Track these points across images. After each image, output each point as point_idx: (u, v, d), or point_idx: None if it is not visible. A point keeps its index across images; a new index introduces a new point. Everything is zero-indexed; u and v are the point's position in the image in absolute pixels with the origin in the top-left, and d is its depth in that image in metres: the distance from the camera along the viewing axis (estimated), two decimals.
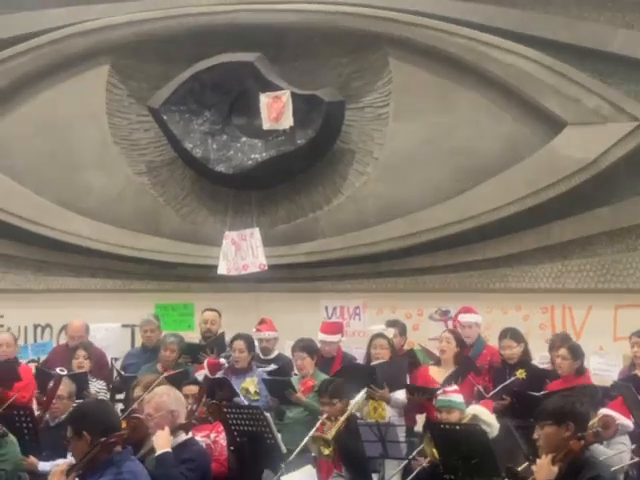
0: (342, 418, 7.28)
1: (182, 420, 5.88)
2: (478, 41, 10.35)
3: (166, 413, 5.70)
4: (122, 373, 9.25)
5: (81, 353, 9.07)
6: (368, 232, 10.86)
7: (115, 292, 11.26)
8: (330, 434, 7.13)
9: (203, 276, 11.02)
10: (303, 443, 7.10)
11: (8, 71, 11.25)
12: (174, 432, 5.77)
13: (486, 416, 7.04)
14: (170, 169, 11.36)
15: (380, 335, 8.82)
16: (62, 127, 11.22)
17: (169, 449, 5.59)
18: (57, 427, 8.01)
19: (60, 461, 7.48)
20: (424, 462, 6.93)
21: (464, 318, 9.16)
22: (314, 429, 7.27)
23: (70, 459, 6.96)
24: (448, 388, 7.27)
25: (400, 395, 8.27)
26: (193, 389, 7.70)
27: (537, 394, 7.54)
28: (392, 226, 10.78)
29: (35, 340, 11.20)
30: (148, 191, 11.29)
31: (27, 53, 11.20)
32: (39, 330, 11.34)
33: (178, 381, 8.02)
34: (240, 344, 8.86)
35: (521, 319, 10.15)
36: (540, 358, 8.97)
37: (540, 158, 10.31)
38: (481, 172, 10.47)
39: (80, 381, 8.53)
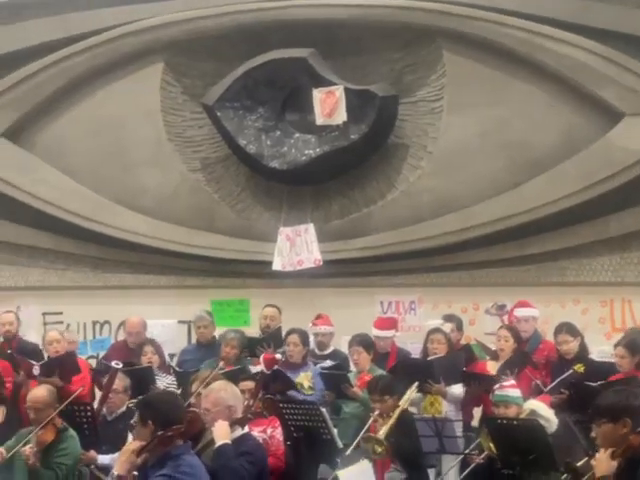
0: (394, 415, 7.25)
1: (239, 415, 5.91)
2: (532, 32, 10.23)
3: (223, 408, 5.73)
4: (177, 369, 9.30)
5: (149, 349, 9.18)
6: (422, 227, 10.78)
7: (171, 288, 11.31)
8: (382, 434, 7.09)
9: (258, 272, 11.02)
10: (355, 443, 7.07)
11: (64, 71, 11.32)
12: (231, 426, 5.79)
13: (544, 411, 6.98)
14: (224, 165, 11.38)
15: (437, 330, 8.79)
16: (118, 126, 11.29)
17: (229, 441, 5.62)
18: (114, 421, 8.12)
19: (120, 454, 7.58)
20: (481, 457, 6.89)
21: (520, 312, 9.08)
22: (366, 427, 7.25)
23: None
24: (505, 383, 7.22)
25: (457, 390, 8.23)
26: (249, 384, 7.74)
27: (595, 384, 7.43)
28: (446, 220, 10.69)
29: (94, 336, 11.30)
30: (203, 188, 11.32)
31: (83, 53, 11.26)
32: (98, 326, 11.43)
33: (235, 377, 8.06)
34: (294, 338, 8.86)
35: (579, 313, 10.02)
36: (598, 352, 8.87)
37: (596, 150, 10.17)
38: (536, 165, 10.36)
39: (145, 375, 8.60)
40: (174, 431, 4.95)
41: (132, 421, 5.41)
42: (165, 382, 8.94)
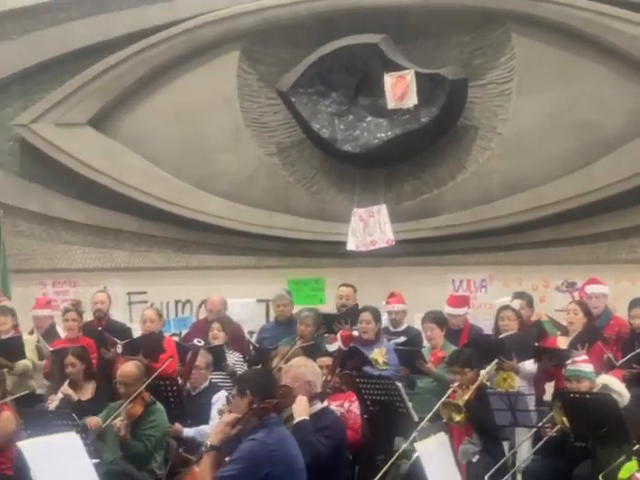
0: (473, 387, 7.25)
1: (318, 390, 5.93)
2: (601, 13, 10.07)
3: (303, 383, 5.75)
4: (256, 346, 9.36)
5: (215, 326, 9.23)
6: (492, 206, 10.71)
7: (250, 269, 11.36)
8: (462, 401, 7.10)
9: (333, 252, 11.04)
10: (435, 408, 7.10)
11: (145, 60, 11.42)
12: (310, 401, 5.82)
13: (616, 385, 6.91)
14: (299, 149, 11.39)
15: (508, 307, 8.74)
16: (196, 113, 11.35)
17: (307, 417, 5.65)
18: (198, 396, 8.22)
19: (204, 426, 7.69)
20: (554, 430, 6.85)
21: (591, 289, 8.98)
22: (446, 396, 7.26)
23: (213, 425, 7.15)
24: (578, 358, 7.16)
25: (529, 366, 8.18)
26: (327, 361, 7.79)
27: None
28: (516, 200, 10.61)
29: (176, 315, 11.41)
30: (279, 171, 11.36)
31: (162, 43, 11.35)
32: (180, 305, 11.54)
33: (312, 352, 8.11)
34: (367, 316, 8.86)
35: None
36: None
37: None
38: (605, 144, 10.21)
39: (217, 353, 8.69)
40: (268, 404, 5.02)
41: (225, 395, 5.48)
42: (233, 358, 9.03)
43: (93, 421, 7.28)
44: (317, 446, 5.60)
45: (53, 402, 7.80)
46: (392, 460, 6.34)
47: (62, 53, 11.65)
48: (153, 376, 7.57)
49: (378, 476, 5.82)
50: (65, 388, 7.94)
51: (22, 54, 11.69)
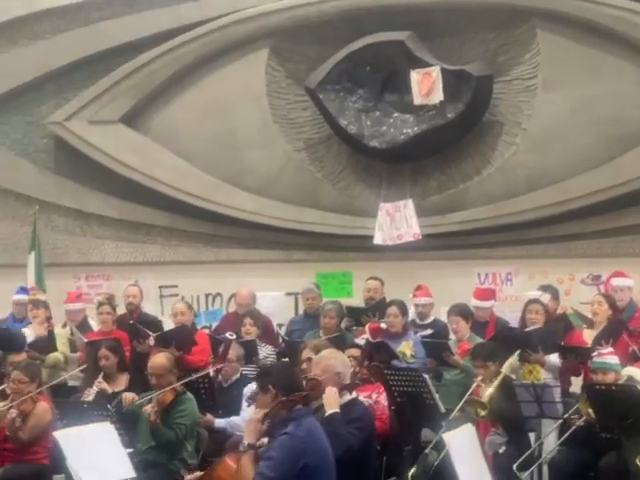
0: (496, 380, 7.22)
1: (347, 381, 5.94)
2: (627, 10, 10.04)
3: (333, 375, 5.75)
4: (286, 339, 9.39)
5: (248, 321, 9.25)
6: (518, 201, 10.71)
7: (278, 262, 11.38)
8: (485, 397, 7.08)
9: (360, 246, 11.05)
10: (459, 406, 7.07)
11: (177, 58, 11.44)
12: (339, 392, 5.82)
13: None
14: (327, 145, 11.40)
15: (535, 300, 8.71)
16: (226, 109, 11.39)
17: (338, 409, 5.65)
18: (229, 388, 8.25)
19: (235, 417, 7.72)
20: (580, 421, 6.83)
21: (616, 282, 8.94)
22: (469, 392, 7.23)
23: (244, 416, 7.19)
24: (603, 350, 7.13)
25: (555, 358, 8.15)
26: (355, 352, 7.77)
27: None
28: (541, 194, 10.60)
29: (207, 308, 11.45)
30: (307, 167, 11.37)
31: (193, 41, 11.37)
32: (210, 299, 11.58)
33: (337, 344, 8.12)
34: (394, 309, 8.85)
35: None
36: None
37: None
38: (630, 139, 10.18)
39: (249, 347, 8.71)
40: (296, 397, 5.05)
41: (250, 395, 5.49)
42: (265, 352, 9.04)
43: (129, 396, 7.34)
44: (349, 438, 5.60)
45: (89, 395, 7.85)
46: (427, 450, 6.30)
47: (95, 52, 11.69)
48: (202, 373, 7.60)
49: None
50: (100, 382, 7.99)
51: (56, 53, 11.75)
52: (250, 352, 8.63)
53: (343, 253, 11.22)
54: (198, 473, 5.69)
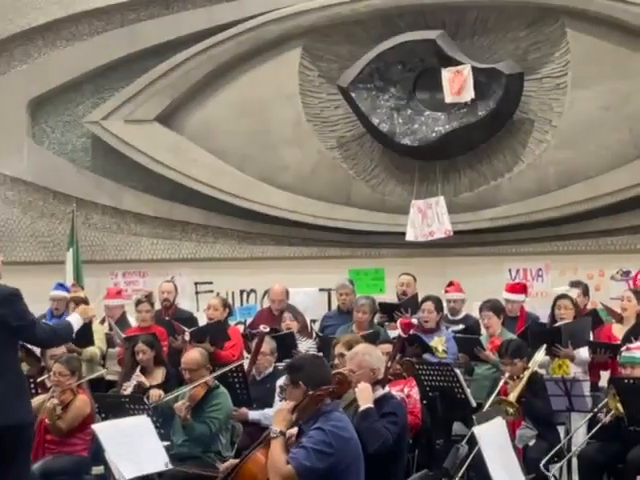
0: (524, 378, 7.23)
1: (381, 376, 5.96)
2: None
3: (367, 371, 5.77)
4: (319, 334, 9.43)
5: (287, 315, 9.32)
6: (549, 197, 10.71)
7: (312, 259, 11.43)
8: (513, 396, 7.09)
9: (392, 242, 11.08)
10: (486, 406, 7.08)
11: (212, 58, 11.50)
12: (373, 386, 5.86)
13: None
14: (359, 143, 11.43)
15: (564, 296, 8.69)
16: (260, 108, 11.45)
17: (372, 404, 5.67)
18: (263, 381, 8.29)
19: (268, 410, 7.78)
20: (609, 415, 6.83)
21: None
22: (497, 390, 7.25)
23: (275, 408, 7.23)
24: (632, 345, 7.13)
25: (584, 353, 8.14)
26: (387, 347, 7.81)
27: None
28: (572, 191, 10.60)
29: (241, 304, 11.51)
30: (340, 165, 11.41)
31: (228, 41, 11.41)
32: (244, 295, 11.65)
33: (371, 340, 8.15)
34: (429, 305, 8.89)
35: None
36: None
37: None
38: None
39: (288, 341, 8.76)
40: (324, 391, 5.06)
41: (282, 383, 5.54)
42: (305, 345, 9.09)
43: (155, 393, 7.41)
44: (384, 433, 5.60)
45: (128, 388, 7.93)
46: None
47: (131, 52, 11.78)
48: (235, 364, 7.73)
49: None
50: (138, 375, 8.08)
51: (93, 54, 11.85)
52: (288, 345, 8.66)
53: (376, 250, 11.27)
54: (233, 461, 5.70)
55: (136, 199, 11.89)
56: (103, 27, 11.91)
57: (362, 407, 5.62)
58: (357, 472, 5.08)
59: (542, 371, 8.02)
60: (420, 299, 9.19)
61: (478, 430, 5.60)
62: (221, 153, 11.60)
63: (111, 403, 7.65)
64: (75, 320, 6.21)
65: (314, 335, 9.49)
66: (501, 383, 7.34)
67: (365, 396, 5.67)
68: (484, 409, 7.08)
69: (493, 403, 7.09)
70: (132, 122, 11.76)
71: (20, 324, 5.71)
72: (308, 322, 10.04)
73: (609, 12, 10.25)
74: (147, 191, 11.87)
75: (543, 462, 6.79)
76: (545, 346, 7.77)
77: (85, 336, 8.87)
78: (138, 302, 9.66)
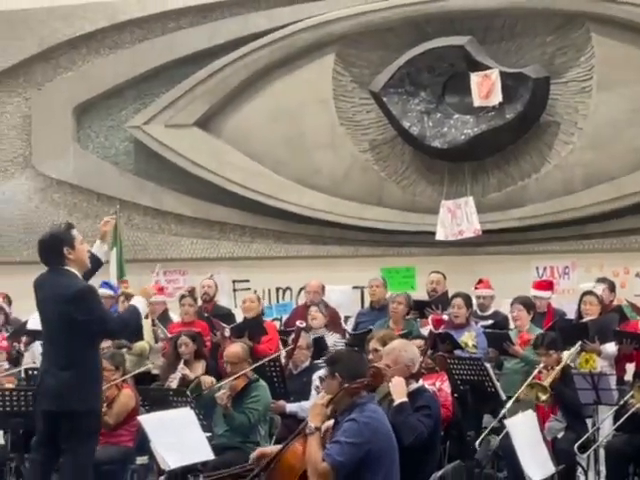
0: (558, 367, 7.26)
1: (415, 371, 5.97)
2: None
3: (403, 366, 5.78)
4: (352, 333, 9.43)
5: (313, 309, 9.38)
6: (574, 197, 10.69)
7: (345, 258, 11.45)
8: (547, 381, 7.12)
9: (423, 242, 11.09)
10: (522, 389, 7.12)
11: (248, 65, 11.56)
12: (407, 380, 5.87)
13: None
14: (390, 146, 11.44)
15: (590, 292, 8.69)
16: (295, 112, 11.49)
17: (406, 399, 5.69)
18: (300, 374, 8.33)
19: (305, 402, 7.83)
20: (635, 407, 6.83)
21: None
22: (532, 377, 7.27)
23: (312, 401, 7.27)
24: None
25: (610, 347, 8.13)
26: (419, 343, 7.82)
27: None
28: (597, 191, 10.58)
29: (277, 301, 11.56)
30: (371, 167, 11.43)
31: (263, 48, 11.47)
32: (280, 292, 11.69)
33: (405, 336, 8.18)
34: (459, 301, 8.89)
35: None
36: None
37: None
38: None
39: (320, 343, 8.75)
40: (359, 384, 5.07)
41: (319, 375, 5.56)
42: (333, 340, 9.11)
43: (207, 379, 7.47)
44: (419, 426, 5.59)
45: (174, 380, 8.00)
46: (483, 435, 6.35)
47: (171, 60, 11.87)
48: (273, 356, 7.82)
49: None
50: (183, 368, 8.15)
51: (135, 61, 11.96)
52: (320, 347, 8.68)
53: (407, 248, 11.28)
54: (272, 447, 5.70)
55: (176, 200, 11.97)
56: (144, 36, 12.02)
57: (396, 401, 5.62)
58: (391, 464, 5.07)
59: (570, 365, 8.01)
60: (450, 296, 9.20)
61: (509, 422, 5.63)
62: (257, 156, 11.65)
63: (155, 396, 7.73)
64: (138, 302, 6.18)
65: (345, 332, 9.52)
66: (535, 372, 7.37)
67: (399, 390, 5.67)
68: (518, 392, 7.10)
69: (527, 386, 7.10)
70: (172, 127, 11.85)
71: (87, 319, 5.78)
72: (342, 318, 10.09)
73: (632, 17, 10.24)
74: (187, 193, 11.93)
75: (575, 447, 6.78)
76: (580, 343, 7.78)
77: (136, 331, 8.93)
78: (182, 297, 9.76)
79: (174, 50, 11.86)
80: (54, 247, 5.92)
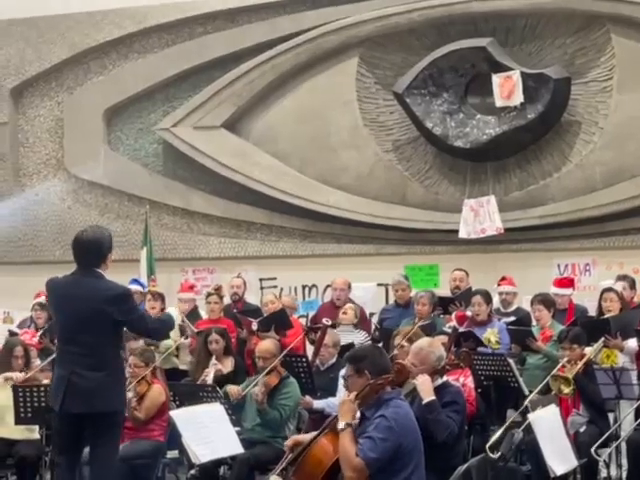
0: (581, 362, 7.24)
1: (439, 367, 5.97)
2: None
3: (429, 366, 5.80)
4: (379, 327, 9.45)
5: (348, 305, 9.39)
6: (595, 195, 10.64)
7: (369, 256, 11.45)
8: (570, 374, 7.10)
9: (446, 240, 11.07)
10: (546, 380, 7.10)
11: (274, 67, 11.60)
12: (432, 376, 5.88)
13: None
14: (414, 146, 11.43)
15: (610, 289, 8.64)
16: (320, 114, 11.51)
17: (434, 397, 5.69)
18: (326, 371, 8.33)
19: (332, 399, 7.84)
20: None
21: None
22: (555, 370, 7.26)
23: (338, 399, 7.29)
24: None
25: (632, 343, 8.08)
26: (443, 339, 7.82)
27: None
28: (618, 189, 10.53)
29: (303, 298, 11.58)
30: (395, 166, 11.43)
31: (289, 51, 11.50)
32: (306, 290, 11.71)
33: (429, 331, 8.19)
34: (478, 298, 8.86)
35: None
36: None
37: None
38: None
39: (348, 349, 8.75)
40: (384, 379, 5.08)
41: (343, 374, 5.56)
42: (360, 338, 9.10)
43: (234, 390, 7.49)
44: (450, 423, 5.60)
45: (208, 375, 8.04)
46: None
47: (199, 63, 11.92)
48: (286, 351, 7.77)
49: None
50: (215, 363, 8.19)
51: (164, 65, 12.01)
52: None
53: (430, 247, 11.26)
54: (301, 437, 5.69)
55: (204, 201, 12.01)
56: (173, 40, 12.08)
57: (425, 400, 5.63)
58: (419, 459, 5.09)
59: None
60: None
61: (533, 416, 5.62)
62: (283, 156, 11.68)
63: (185, 391, 7.77)
64: (172, 311, 6.54)
65: (373, 328, 9.52)
66: (559, 365, 7.35)
67: (427, 389, 5.68)
68: (541, 385, 7.08)
69: (551, 377, 7.09)
70: (200, 129, 11.89)
71: (128, 319, 5.84)
72: (367, 315, 10.10)
73: None
74: (214, 193, 11.98)
75: (594, 447, 6.76)
76: (603, 339, 7.75)
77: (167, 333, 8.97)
78: (208, 295, 9.79)
79: (202, 54, 11.90)
80: (99, 250, 5.89)
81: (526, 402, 6.37)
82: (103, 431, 5.78)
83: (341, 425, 5.00)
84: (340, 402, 5.30)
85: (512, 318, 9.10)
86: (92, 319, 5.73)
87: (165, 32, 12.10)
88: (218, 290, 9.87)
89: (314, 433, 5.31)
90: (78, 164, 12.29)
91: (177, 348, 9.37)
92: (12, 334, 9.30)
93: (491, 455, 5.35)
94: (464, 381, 7.49)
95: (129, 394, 7.25)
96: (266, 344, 7.59)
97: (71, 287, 5.87)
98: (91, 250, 5.87)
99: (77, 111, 12.27)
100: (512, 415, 7.56)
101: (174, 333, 9.30)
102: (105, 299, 5.75)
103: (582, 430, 7.21)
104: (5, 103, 12.55)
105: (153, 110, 12.23)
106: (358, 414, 5.15)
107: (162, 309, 9.49)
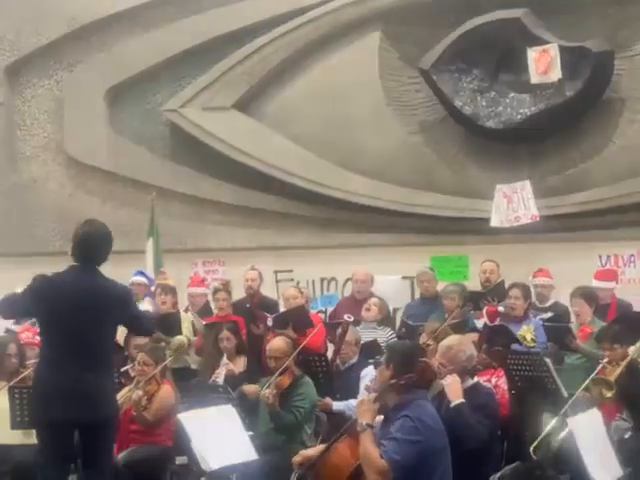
0: (623, 363, 7.15)
1: (470, 367, 5.93)
2: None
3: (459, 367, 5.77)
4: (409, 323, 9.38)
5: (372, 301, 9.34)
6: None
7: (393, 246, 11.33)
8: (612, 376, 7.02)
9: (476, 229, 10.97)
10: (584, 385, 7.02)
11: (290, 43, 11.52)
12: (462, 376, 5.83)
13: None
14: (441, 127, 11.34)
15: None
16: (339, 93, 11.41)
17: (463, 400, 5.65)
18: (347, 370, 8.30)
19: (352, 400, 7.79)
20: None
21: None
22: (595, 372, 7.18)
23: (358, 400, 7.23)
24: None
25: None
26: (474, 337, 7.77)
27: None
28: None
29: (322, 292, 11.52)
30: (421, 149, 11.34)
31: (305, 25, 11.42)
32: (325, 283, 11.66)
33: (459, 329, 8.12)
34: (516, 292, 8.80)
35: None
36: None
37: None
38: None
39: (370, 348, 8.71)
40: (406, 379, 5.11)
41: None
42: (385, 336, 9.06)
43: (251, 389, 7.45)
44: (480, 430, 5.60)
45: (219, 375, 8.00)
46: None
47: (207, 39, 11.82)
48: (299, 349, 7.70)
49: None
50: (226, 363, 8.15)
51: (169, 42, 11.91)
52: (371, 353, 8.57)
53: (459, 236, 11.14)
54: (317, 449, 5.69)
55: (215, 187, 11.94)
56: (179, 14, 11.87)
57: (454, 403, 5.60)
58: (447, 464, 5.10)
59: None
60: (507, 287, 9.10)
61: (573, 421, 5.55)
62: (300, 139, 11.58)
63: (195, 392, 7.73)
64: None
65: (399, 324, 9.46)
66: (599, 367, 7.27)
67: (455, 390, 5.66)
68: (580, 389, 7.01)
69: (591, 381, 7.02)
70: (210, 109, 11.82)
71: (134, 318, 6.01)
72: (391, 311, 10.03)
73: None
74: (225, 179, 11.90)
75: None
76: None
77: (173, 325, 8.96)
78: (215, 291, 9.74)
79: (211, 29, 11.80)
80: (109, 246, 5.95)
81: (566, 407, 6.29)
82: (101, 435, 5.82)
83: (361, 426, 5.01)
84: (358, 402, 5.34)
85: (549, 314, 9.01)
86: (97, 320, 5.75)
87: (170, 5, 11.97)
88: (225, 285, 9.82)
89: (321, 447, 5.37)
90: (79, 148, 12.25)
91: (189, 346, 9.33)
92: (8, 332, 9.28)
93: (534, 456, 5.31)
94: (497, 382, 7.45)
95: (138, 393, 7.25)
96: (277, 342, 7.53)
97: (72, 286, 5.85)
98: (104, 247, 5.92)
99: (77, 91, 12.21)
100: (549, 420, 7.50)
101: (187, 330, 9.30)
102: (113, 298, 5.82)
103: (627, 436, 7.12)
104: None
105: (159, 90, 12.15)
106: (381, 417, 5.14)
107: (174, 304, 9.46)
